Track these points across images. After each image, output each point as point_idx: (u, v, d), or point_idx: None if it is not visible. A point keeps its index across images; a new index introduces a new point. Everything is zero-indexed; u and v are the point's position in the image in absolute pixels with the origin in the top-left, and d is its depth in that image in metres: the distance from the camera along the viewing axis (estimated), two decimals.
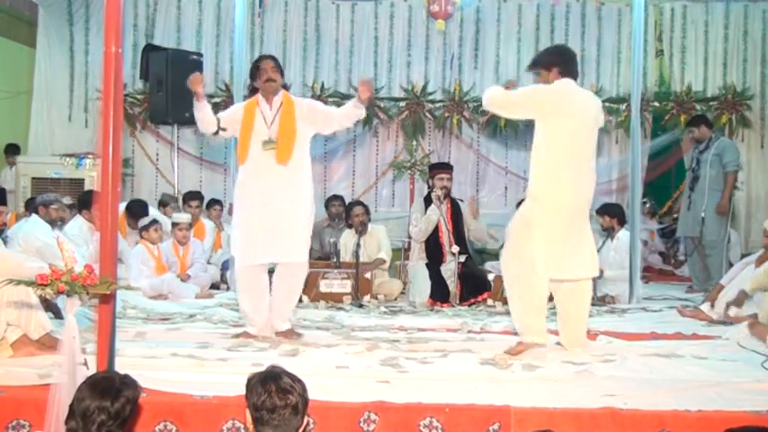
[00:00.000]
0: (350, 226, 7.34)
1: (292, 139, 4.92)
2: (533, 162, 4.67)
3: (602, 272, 7.01)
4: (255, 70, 5.05)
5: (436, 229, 6.91)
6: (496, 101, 4.77)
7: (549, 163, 4.58)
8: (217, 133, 5.02)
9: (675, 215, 9.27)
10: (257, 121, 4.95)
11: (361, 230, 7.17)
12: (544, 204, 4.56)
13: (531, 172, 4.71)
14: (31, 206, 7.21)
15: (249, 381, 2.57)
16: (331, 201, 8.28)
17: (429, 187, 7.17)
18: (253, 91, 5.23)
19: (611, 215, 7.22)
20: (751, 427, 2.71)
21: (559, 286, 4.75)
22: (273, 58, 5.14)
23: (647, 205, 9.26)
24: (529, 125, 5.18)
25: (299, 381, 2.58)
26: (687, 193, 7.62)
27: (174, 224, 7.17)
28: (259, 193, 4.89)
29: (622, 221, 7.15)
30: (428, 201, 7.00)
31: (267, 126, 4.93)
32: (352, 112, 5.05)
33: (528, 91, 4.76)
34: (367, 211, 7.39)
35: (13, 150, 9.18)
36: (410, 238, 7.34)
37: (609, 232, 7.27)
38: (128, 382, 2.67)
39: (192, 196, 8.04)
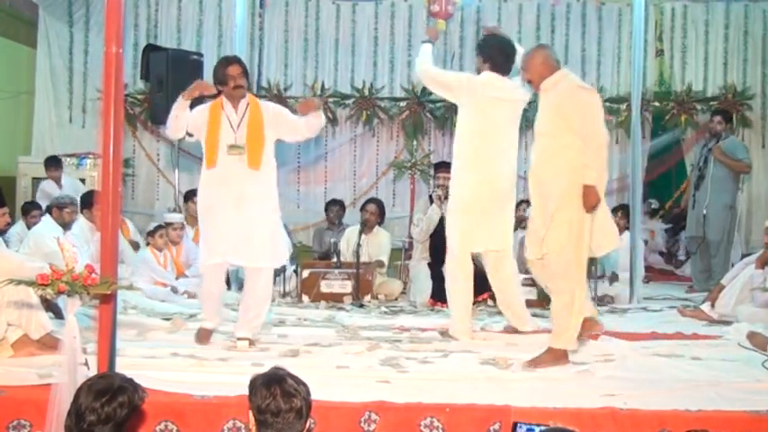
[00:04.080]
0: (364, 224, 7.35)
1: (262, 143, 4.83)
2: (459, 148, 5.17)
3: (616, 276, 7.07)
4: (222, 76, 4.84)
5: (441, 228, 6.90)
6: (425, 74, 5.30)
7: (470, 149, 5.10)
8: (183, 138, 4.99)
9: (677, 212, 9.30)
10: (223, 125, 4.81)
11: (366, 229, 7.18)
12: (471, 186, 5.08)
13: (456, 159, 5.20)
14: (33, 208, 7.22)
15: (253, 382, 2.56)
16: (330, 206, 8.27)
17: (434, 186, 7.20)
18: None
19: (622, 214, 7.23)
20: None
21: (492, 274, 5.32)
22: (240, 62, 4.94)
23: (653, 206, 9.32)
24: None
25: (303, 383, 2.57)
26: (692, 192, 7.63)
27: (168, 224, 7.18)
28: (230, 198, 4.78)
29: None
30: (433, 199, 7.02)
31: (234, 131, 4.80)
32: (313, 122, 5.01)
33: (453, 75, 5.37)
34: (380, 214, 7.41)
35: (53, 163, 8.39)
36: (411, 238, 7.35)
37: None
38: (126, 386, 2.61)
39: (195, 193, 7.99)
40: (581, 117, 4.34)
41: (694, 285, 7.62)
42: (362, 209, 7.52)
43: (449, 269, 5.31)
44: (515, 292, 5.40)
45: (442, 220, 6.80)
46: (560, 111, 4.39)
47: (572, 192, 4.28)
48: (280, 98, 9.19)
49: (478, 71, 5.27)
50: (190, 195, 8.00)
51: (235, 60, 4.93)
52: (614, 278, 7.08)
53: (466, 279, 5.25)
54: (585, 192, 4.26)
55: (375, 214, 7.35)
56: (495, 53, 5.18)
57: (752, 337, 4.95)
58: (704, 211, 7.37)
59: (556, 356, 4.36)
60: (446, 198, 6.90)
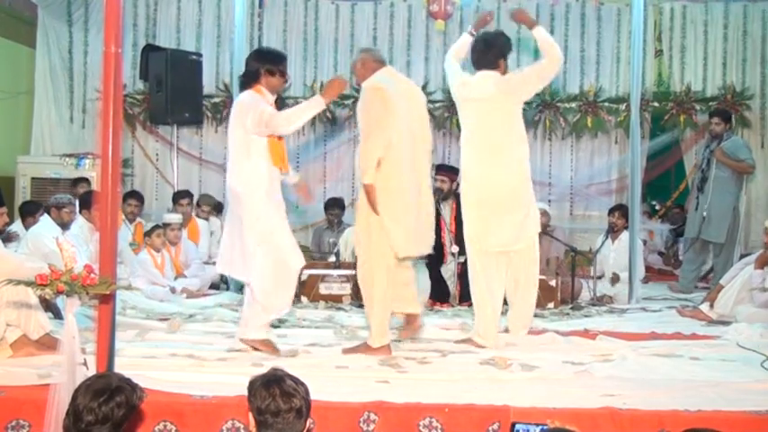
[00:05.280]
0: None
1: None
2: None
3: (617, 277, 7.08)
4: (282, 69, 4.78)
5: (438, 229, 6.90)
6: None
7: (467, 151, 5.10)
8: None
9: (677, 212, 9.32)
10: None
11: None
12: (476, 186, 5.09)
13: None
14: (34, 207, 7.18)
15: (252, 384, 2.56)
16: (329, 206, 8.25)
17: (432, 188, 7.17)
18: (252, 79, 4.80)
19: (620, 214, 7.25)
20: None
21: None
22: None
23: (657, 207, 9.34)
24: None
25: (302, 383, 2.58)
26: (695, 194, 7.62)
27: (166, 224, 7.17)
28: (277, 199, 4.77)
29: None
30: None
31: None
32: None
33: (450, 76, 5.29)
34: None
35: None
36: None
37: (608, 233, 7.30)
38: (124, 386, 2.62)
39: (182, 195, 7.92)
40: (360, 116, 4.53)
41: (680, 285, 7.57)
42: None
43: (470, 273, 5.12)
44: (524, 296, 5.18)
45: (438, 221, 6.81)
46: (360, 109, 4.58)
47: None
48: (279, 98, 9.16)
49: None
50: (183, 195, 7.94)
51: (286, 58, 4.92)
52: (616, 279, 7.08)
53: (489, 282, 5.02)
54: (364, 189, 4.45)
55: None
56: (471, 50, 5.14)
57: None
58: (704, 213, 7.36)
59: (368, 350, 4.56)
60: (444, 199, 6.92)
